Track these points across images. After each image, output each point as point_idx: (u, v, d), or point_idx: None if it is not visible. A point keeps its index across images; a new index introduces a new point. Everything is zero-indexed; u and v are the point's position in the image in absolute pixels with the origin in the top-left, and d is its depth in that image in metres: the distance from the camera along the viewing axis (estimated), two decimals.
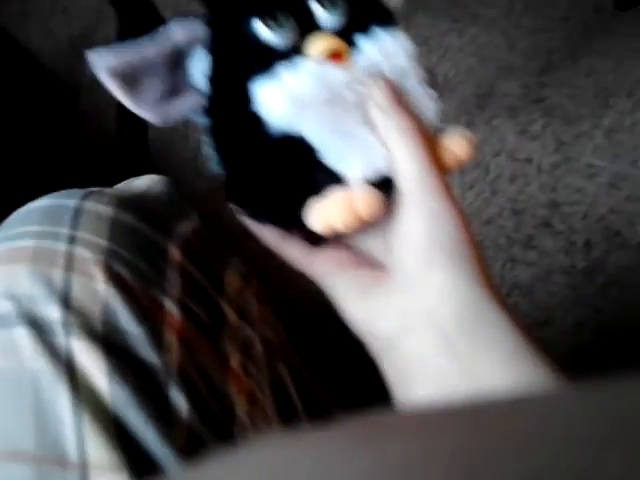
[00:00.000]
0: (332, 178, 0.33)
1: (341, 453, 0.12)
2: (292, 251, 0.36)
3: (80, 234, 0.37)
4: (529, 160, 1.05)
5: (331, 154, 0.33)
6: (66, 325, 0.35)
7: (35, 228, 0.37)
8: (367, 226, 0.33)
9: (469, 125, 1.11)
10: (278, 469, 0.12)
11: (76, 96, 1.18)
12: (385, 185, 0.33)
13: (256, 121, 0.32)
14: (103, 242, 0.37)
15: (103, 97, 0.37)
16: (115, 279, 0.36)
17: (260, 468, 0.12)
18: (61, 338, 0.34)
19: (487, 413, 0.13)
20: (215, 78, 0.34)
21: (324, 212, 0.32)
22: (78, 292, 0.35)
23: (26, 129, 1.01)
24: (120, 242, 0.38)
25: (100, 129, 1.15)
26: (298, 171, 0.33)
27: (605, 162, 1.02)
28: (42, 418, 0.33)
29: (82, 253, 0.36)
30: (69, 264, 0.36)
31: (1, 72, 0.96)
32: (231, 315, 0.44)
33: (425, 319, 0.31)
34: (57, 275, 0.36)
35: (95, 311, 0.35)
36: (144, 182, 0.45)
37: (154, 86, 0.33)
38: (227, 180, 0.35)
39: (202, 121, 0.35)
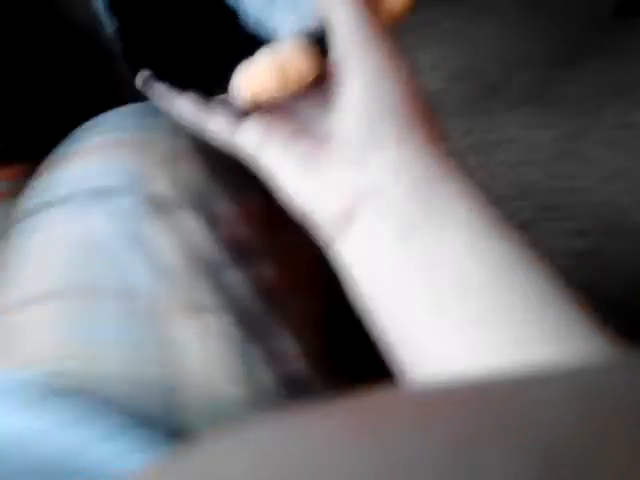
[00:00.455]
0: (258, 38, 0.29)
1: (335, 442, 0.12)
2: (215, 122, 0.33)
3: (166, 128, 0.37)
4: (531, 148, 1.07)
5: (255, 9, 0.29)
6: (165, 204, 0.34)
7: (134, 121, 0.38)
8: (301, 91, 0.29)
9: (472, 115, 1.12)
10: (267, 459, 0.12)
11: (110, 62, 1.17)
12: (319, 41, 0.29)
13: None
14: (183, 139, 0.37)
15: None
16: (211, 168, 0.36)
17: (247, 458, 0.12)
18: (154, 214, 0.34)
19: (491, 394, 0.13)
20: None
21: (251, 77, 0.28)
22: (180, 175, 0.35)
23: (59, 93, 1.01)
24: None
25: (134, 97, 1.14)
26: (219, 31, 0.29)
27: (605, 153, 1.04)
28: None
29: (175, 144, 0.36)
30: (169, 154, 0.36)
31: (36, 35, 0.96)
32: None
33: (375, 198, 0.29)
34: (158, 161, 0.36)
35: (195, 193, 0.35)
36: None
37: None
38: (132, 43, 0.31)
39: None
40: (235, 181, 0.37)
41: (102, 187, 0.35)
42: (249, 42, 0.29)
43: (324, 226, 0.31)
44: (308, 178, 0.30)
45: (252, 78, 0.28)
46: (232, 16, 0.29)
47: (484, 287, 0.27)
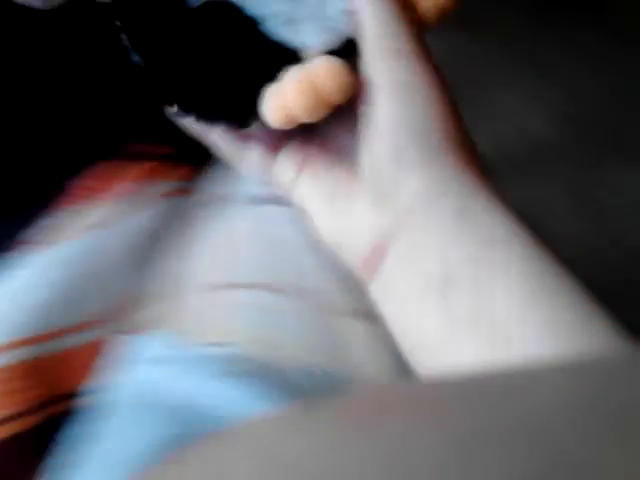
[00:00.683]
0: (283, 54, 0.26)
1: (337, 439, 0.12)
2: (250, 157, 0.31)
3: None
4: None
5: (278, 23, 0.26)
6: None
7: None
8: (334, 111, 0.27)
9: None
10: (267, 458, 0.12)
11: None
12: (349, 51, 0.27)
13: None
14: None
15: None
16: None
17: (246, 458, 0.12)
18: None
19: (493, 389, 0.13)
20: None
21: (281, 98, 0.26)
22: None
23: None
24: None
25: None
26: (241, 52, 0.27)
27: None
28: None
29: None
30: None
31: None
32: None
33: (405, 237, 0.27)
34: None
35: None
36: None
37: None
38: (155, 77, 0.28)
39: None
40: None
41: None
42: (275, 62, 0.26)
43: (353, 264, 0.29)
44: (337, 214, 0.29)
45: (283, 100, 0.26)
46: (255, 36, 0.27)
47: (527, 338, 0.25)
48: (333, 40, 0.27)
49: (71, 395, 0.35)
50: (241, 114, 0.27)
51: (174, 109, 0.28)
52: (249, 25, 0.26)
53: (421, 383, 0.15)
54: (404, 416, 0.12)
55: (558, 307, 0.25)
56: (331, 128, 0.30)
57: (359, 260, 0.28)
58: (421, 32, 0.28)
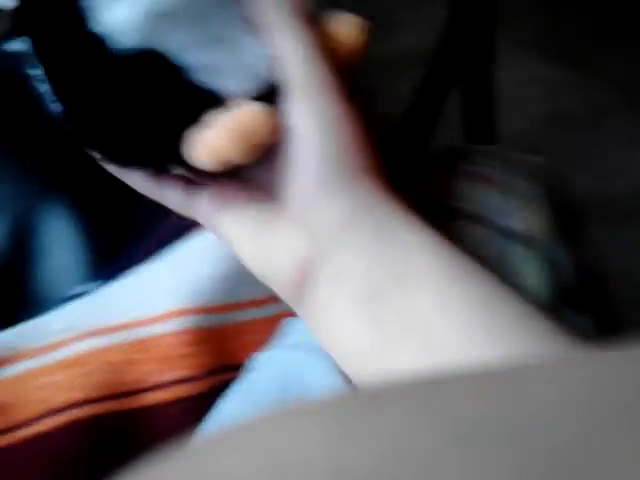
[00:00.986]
0: (206, 100, 0.27)
1: (334, 437, 0.12)
2: (170, 195, 0.32)
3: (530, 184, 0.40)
4: None
5: (202, 69, 0.27)
6: (523, 239, 0.38)
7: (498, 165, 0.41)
8: (261, 150, 0.28)
9: None
10: (265, 455, 0.12)
11: None
12: (271, 95, 0.28)
13: (99, 43, 0.26)
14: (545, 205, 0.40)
15: None
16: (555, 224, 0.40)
17: (244, 459, 0.12)
18: (518, 247, 0.37)
19: (494, 385, 0.13)
20: None
21: (209, 142, 0.26)
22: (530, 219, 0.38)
23: None
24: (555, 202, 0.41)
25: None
26: (163, 97, 0.27)
27: None
28: None
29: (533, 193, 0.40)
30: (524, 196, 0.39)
31: None
32: None
33: (330, 260, 0.29)
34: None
35: (543, 237, 0.39)
36: None
37: None
38: (75, 122, 0.29)
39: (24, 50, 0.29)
40: (567, 237, 0.39)
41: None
42: (197, 107, 0.27)
43: (282, 292, 0.31)
44: (262, 246, 0.30)
45: (210, 145, 0.27)
46: (179, 83, 0.27)
47: (454, 343, 0.27)
48: (255, 85, 0.28)
49: (237, 367, 0.36)
50: (161, 158, 0.28)
51: (95, 154, 0.29)
52: (173, 73, 0.27)
53: (420, 381, 0.14)
54: (403, 413, 0.12)
55: (491, 311, 0.27)
56: (253, 166, 0.30)
57: (287, 286, 0.30)
58: (337, 67, 0.29)
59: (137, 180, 0.32)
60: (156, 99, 0.27)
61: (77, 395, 0.35)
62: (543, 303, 0.36)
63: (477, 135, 0.96)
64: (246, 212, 0.30)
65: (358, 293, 0.28)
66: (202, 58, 0.27)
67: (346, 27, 0.30)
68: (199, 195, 0.31)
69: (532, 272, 0.37)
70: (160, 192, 0.32)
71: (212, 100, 0.27)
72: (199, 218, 0.32)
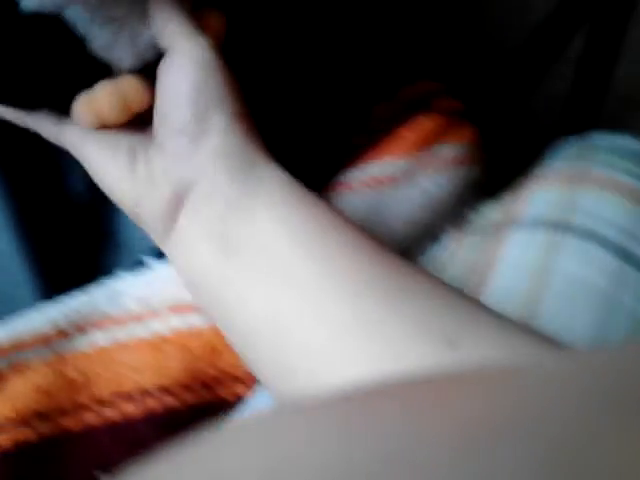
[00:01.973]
0: (100, 69, 0.31)
1: (333, 436, 0.12)
2: (43, 124, 0.33)
3: None
4: None
5: (99, 44, 0.31)
6: None
7: (634, 168, 0.39)
8: (137, 114, 0.32)
9: None
10: (264, 454, 0.12)
11: None
12: (154, 70, 0.32)
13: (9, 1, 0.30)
14: None
15: None
16: None
17: (241, 460, 0.12)
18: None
19: (496, 383, 0.13)
20: None
21: (92, 107, 0.31)
22: None
23: None
24: None
25: None
26: (64, 59, 0.31)
27: None
28: (601, 329, 0.34)
29: None
30: None
31: None
32: None
33: (199, 187, 0.30)
34: None
35: None
36: None
37: None
38: None
39: None
40: None
41: (602, 233, 0.36)
42: (91, 74, 0.32)
43: (152, 223, 0.32)
44: (136, 173, 0.31)
45: (93, 108, 0.31)
46: (79, 51, 0.31)
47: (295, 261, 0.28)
48: (142, 60, 0.32)
49: None
50: (52, 109, 0.32)
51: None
52: (75, 41, 0.31)
53: (419, 380, 0.14)
54: (404, 412, 0.12)
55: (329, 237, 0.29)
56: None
57: (158, 217, 0.31)
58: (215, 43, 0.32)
59: (7, 112, 0.33)
60: (56, 59, 0.31)
61: (159, 380, 0.34)
62: None
63: (589, 93, 0.86)
64: (116, 139, 0.32)
65: (215, 215, 0.30)
66: (99, 34, 0.31)
67: (212, 18, 0.34)
68: (69, 124, 0.33)
69: None
70: (33, 121, 0.33)
71: (104, 70, 0.32)
72: (68, 146, 0.33)
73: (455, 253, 0.41)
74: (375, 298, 0.26)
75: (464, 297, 0.27)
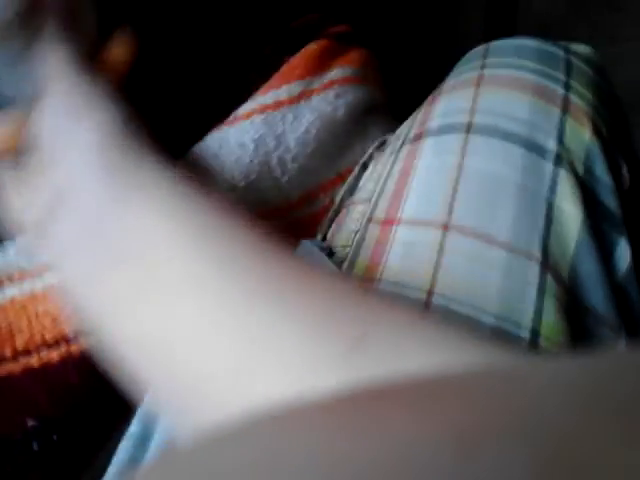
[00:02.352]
0: None
1: (334, 435, 0.11)
2: None
3: (573, 84, 0.40)
4: None
5: None
6: (558, 157, 0.37)
7: (532, 65, 0.40)
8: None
9: None
10: (263, 455, 0.11)
11: None
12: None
13: None
14: (590, 97, 0.40)
15: None
16: (597, 133, 0.39)
17: (239, 460, 0.11)
18: (550, 166, 0.37)
19: (490, 384, 0.13)
20: None
21: None
22: (569, 133, 0.38)
23: None
24: (601, 100, 0.41)
25: None
26: None
27: None
28: (521, 219, 0.35)
29: (576, 101, 0.39)
30: (565, 107, 0.39)
31: None
32: None
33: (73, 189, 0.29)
34: (554, 113, 0.38)
35: (580, 154, 0.38)
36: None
37: None
38: None
39: None
40: (612, 153, 0.39)
41: (503, 127, 0.37)
42: None
43: (32, 232, 0.31)
44: (19, 191, 0.31)
45: None
46: None
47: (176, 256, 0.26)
48: (25, 104, 0.32)
49: None
50: None
51: None
52: None
53: (418, 380, 0.14)
54: (405, 413, 0.12)
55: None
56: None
57: (36, 222, 0.30)
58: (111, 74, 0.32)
59: None
60: None
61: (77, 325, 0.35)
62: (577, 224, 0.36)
63: (498, 19, 0.89)
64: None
65: (84, 219, 0.29)
66: None
67: (118, 46, 0.34)
68: None
69: (564, 190, 0.36)
70: None
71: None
72: None
73: (374, 170, 0.43)
74: (268, 303, 0.24)
75: (367, 292, 0.26)
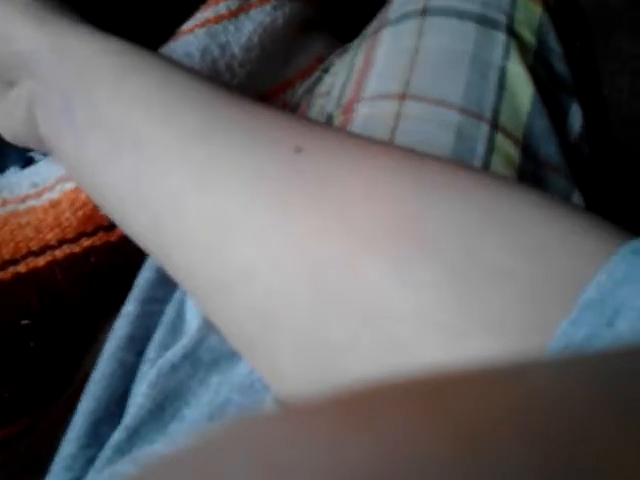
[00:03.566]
0: None
1: (333, 435, 0.11)
2: None
3: None
4: None
5: None
6: (509, 28, 0.40)
7: None
8: None
9: None
10: (263, 455, 0.11)
11: None
12: None
13: None
14: None
15: None
16: (549, 9, 0.41)
17: (240, 461, 0.11)
18: (502, 36, 0.39)
19: (492, 381, 0.12)
20: None
21: None
22: (521, 8, 0.40)
23: None
24: None
25: None
26: None
27: None
28: (472, 85, 0.37)
29: None
30: None
31: None
32: None
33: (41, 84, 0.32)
34: None
35: (533, 26, 0.40)
36: None
37: None
38: None
39: None
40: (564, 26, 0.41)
41: (456, 7, 0.40)
42: None
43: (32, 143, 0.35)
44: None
45: None
46: None
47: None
48: None
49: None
50: None
51: None
52: None
53: (417, 376, 0.13)
54: (403, 411, 0.12)
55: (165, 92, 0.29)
56: None
57: (29, 133, 0.34)
58: None
59: None
60: None
61: (60, 234, 0.37)
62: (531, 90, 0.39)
63: None
64: None
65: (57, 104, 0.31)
66: None
67: None
68: None
69: (515, 56, 0.39)
70: None
71: None
72: None
73: (337, 73, 0.45)
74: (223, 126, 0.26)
75: (310, 120, 0.28)
